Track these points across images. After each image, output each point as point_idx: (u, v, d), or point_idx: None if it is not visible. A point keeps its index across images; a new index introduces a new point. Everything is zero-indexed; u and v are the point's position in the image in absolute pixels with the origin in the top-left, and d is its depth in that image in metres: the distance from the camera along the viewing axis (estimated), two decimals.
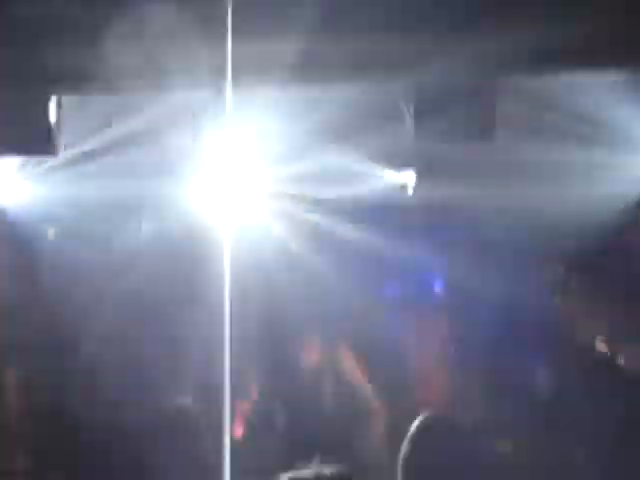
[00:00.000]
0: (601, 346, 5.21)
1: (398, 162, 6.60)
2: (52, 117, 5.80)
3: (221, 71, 5.40)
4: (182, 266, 7.03)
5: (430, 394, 6.57)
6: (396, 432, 5.12)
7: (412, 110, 5.56)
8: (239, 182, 6.53)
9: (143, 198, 6.95)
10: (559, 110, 5.83)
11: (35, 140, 5.80)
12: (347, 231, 6.93)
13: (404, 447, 3.96)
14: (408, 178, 6.64)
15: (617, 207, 6.54)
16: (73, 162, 6.73)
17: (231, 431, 4.74)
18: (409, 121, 5.54)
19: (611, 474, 4.83)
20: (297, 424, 5.40)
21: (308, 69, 5.49)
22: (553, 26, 5.11)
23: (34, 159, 6.84)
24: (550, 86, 5.67)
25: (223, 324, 5.11)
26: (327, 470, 2.20)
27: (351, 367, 6.12)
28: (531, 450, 5.27)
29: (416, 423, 4.04)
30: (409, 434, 4.00)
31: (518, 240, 6.54)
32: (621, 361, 5.18)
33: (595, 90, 5.69)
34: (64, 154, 6.25)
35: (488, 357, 5.29)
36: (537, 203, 6.49)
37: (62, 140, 5.89)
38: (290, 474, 2.22)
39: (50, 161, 6.79)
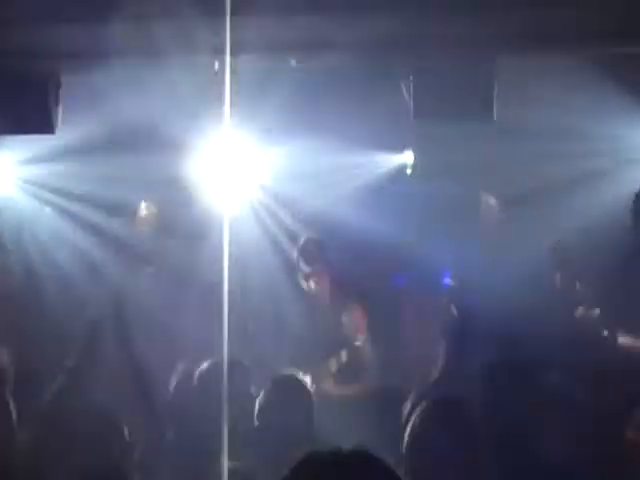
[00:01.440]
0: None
1: (397, 143, 6.60)
2: (51, 96, 5.78)
3: (222, 49, 5.41)
4: None
5: None
6: None
7: (411, 90, 5.57)
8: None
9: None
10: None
11: (34, 118, 5.78)
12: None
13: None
14: (407, 159, 6.65)
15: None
16: None
17: None
18: (408, 101, 5.55)
19: None
20: None
21: (309, 49, 5.50)
22: (551, 7, 5.14)
23: None
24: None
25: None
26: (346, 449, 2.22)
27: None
28: None
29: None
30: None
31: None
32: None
33: None
34: None
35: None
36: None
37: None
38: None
39: None
